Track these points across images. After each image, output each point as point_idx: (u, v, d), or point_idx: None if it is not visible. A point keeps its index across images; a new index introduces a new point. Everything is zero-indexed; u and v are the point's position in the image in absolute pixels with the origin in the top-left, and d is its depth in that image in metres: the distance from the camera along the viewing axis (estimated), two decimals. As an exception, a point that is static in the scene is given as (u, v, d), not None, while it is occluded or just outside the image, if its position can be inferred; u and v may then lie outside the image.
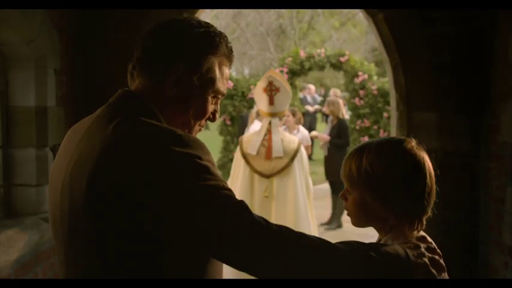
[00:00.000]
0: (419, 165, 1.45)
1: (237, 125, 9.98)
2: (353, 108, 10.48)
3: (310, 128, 14.10)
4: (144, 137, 1.25)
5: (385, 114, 10.08)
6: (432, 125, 4.23)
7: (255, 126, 7.00)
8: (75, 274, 1.33)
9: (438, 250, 1.44)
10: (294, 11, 22.94)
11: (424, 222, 1.49)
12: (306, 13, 23.84)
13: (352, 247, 1.29)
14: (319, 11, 23.06)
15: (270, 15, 23.82)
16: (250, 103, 9.94)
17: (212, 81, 1.42)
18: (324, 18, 25.37)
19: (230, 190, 1.27)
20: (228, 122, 10.02)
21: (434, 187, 1.47)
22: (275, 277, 1.26)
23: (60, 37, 3.70)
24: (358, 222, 1.50)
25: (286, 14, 23.69)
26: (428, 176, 1.45)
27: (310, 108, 13.78)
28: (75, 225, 1.29)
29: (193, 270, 1.30)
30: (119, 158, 1.23)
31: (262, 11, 22.33)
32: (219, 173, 1.29)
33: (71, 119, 3.66)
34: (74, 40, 3.96)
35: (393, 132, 4.54)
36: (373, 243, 1.38)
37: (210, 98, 1.44)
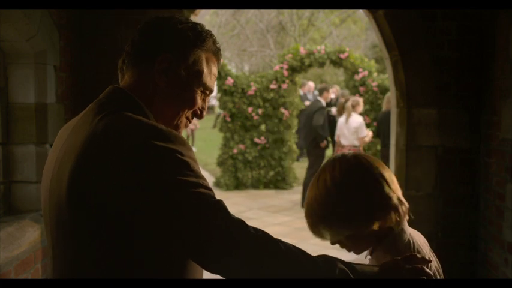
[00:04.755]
0: (362, 186, 1.42)
1: (236, 122, 9.97)
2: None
3: (310, 125, 14.07)
4: (125, 130, 1.25)
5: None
6: (432, 122, 4.23)
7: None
8: (62, 270, 1.34)
9: (427, 271, 1.39)
10: (294, 8, 22.93)
11: (402, 226, 1.46)
12: (306, 10, 23.82)
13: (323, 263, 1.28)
14: (319, 7, 23.06)
15: (270, 12, 23.82)
16: (250, 99, 9.93)
17: (199, 74, 1.43)
18: (324, 15, 25.37)
19: (209, 189, 1.26)
20: (228, 119, 10.01)
21: (394, 191, 1.44)
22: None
23: (60, 34, 3.70)
24: (359, 251, 1.51)
25: (286, 11, 23.68)
26: (379, 187, 1.43)
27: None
28: (60, 220, 1.30)
29: (173, 266, 1.30)
30: (99, 151, 1.24)
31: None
32: (199, 170, 1.28)
33: (71, 116, 3.66)
34: (73, 37, 3.96)
35: (393, 129, 4.54)
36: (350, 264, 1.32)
37: (198, 91, 1.44)
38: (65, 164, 1.29)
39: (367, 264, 1.39)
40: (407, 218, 1.49)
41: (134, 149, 1.21)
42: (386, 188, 1.44)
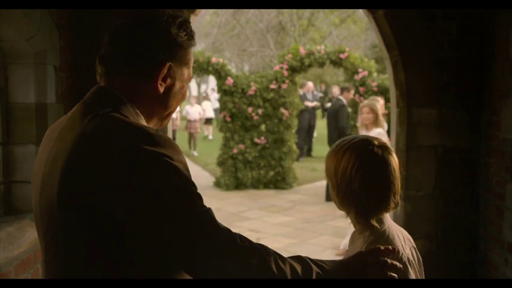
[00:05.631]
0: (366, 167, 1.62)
1: (236, 122, 9.98)
2: (353, 105, 10.49)
3: (310, 125, 14.09)
4: (115, 132, 1.25)
5: (385, 111, 10.08)
6: (432, 121, 4.23)
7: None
8: (55, 271, 1.34)
9: (390, 262, 1.48)
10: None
11: (382, 215, 1.64)
12: (306, 10, 23.82)
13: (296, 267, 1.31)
14: (319, 7, 23.06)
15: (270, 12, 23.82)
16: (250, 100, 9.93)
17: (189, 70, 1.47)
18: (324, 15, 25.36)
19: (198, 195, 1.26)
20: (228, 119, 10.02)
21: (385, 185, 1.62)
22: None
23: (60, 34, 3.70)
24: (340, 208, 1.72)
25: (286, 11, 23.67)
26: (367, 175, 1.60)
27: (309, 104, 13.79)
28: (52, 221, 1.30)
29: (164, 267, 1.30)
30: (89, 152, 1.23)
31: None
32: (189, 174, 1.27)
33: (71, 116, 3.66)
34: (73, 37, 3.96)
35: (393, 129, 4.54)
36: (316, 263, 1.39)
37: (187, 84, 1.48)
38: (55, 166, 1.28)
39: (335, 260, 1.45)
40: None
41: (125, 150, 1.21)
42: (397, 184, 1.64)
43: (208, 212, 1.25)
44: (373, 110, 6.18)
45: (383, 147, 1.64)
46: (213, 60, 10.02)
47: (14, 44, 3.33)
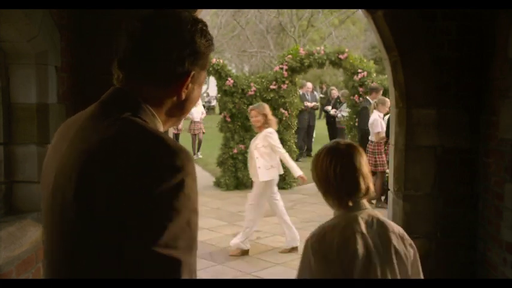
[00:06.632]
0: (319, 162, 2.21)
1: (236, 122, 10.00)
2: (353, 105, 10.52)
3: (309, 125, 14.10)
4: (134, 140, 1.26)
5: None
6: (431, 122, 4.23)
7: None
8: (58, 273, 1.34)
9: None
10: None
11: (358, 201, 2.13)
12: (306, 11, 23.84)
13: None
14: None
15: (270, 13, 23.85)
16: (250, 100, 9.94)
17: (205, 72, 1.48)
18: (324, 16, 25.39)
19: (193, 223, 1.25)
20: (228, 119, 10.03)
21: (333, 179, 2.13)
22: None
23: (61, 34, 3.71)
24: (324, 199, 2.31)
25: (286, 12, 23.69)
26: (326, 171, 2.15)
27: (308, 104, 13.80)
28: (64, 223, 1.31)
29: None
30: (107, 158, 1.24)
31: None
32: (196, 188, 1.27)
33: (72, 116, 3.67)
34: (75, 37, 3.97)
35: (392, 129, 4.55)
36: None
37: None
38: (72, 167, 1.29)
39: None
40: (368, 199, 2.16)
41: (141, 156, 1.22)
42: (364, 172, 2.11)
43: (181, 263, 1.22)
44: (261, 113, 6.38)
45: (348, 145, 2.16)
46: (214, 61, 10.05)
47: (15, 45, 3.34)
